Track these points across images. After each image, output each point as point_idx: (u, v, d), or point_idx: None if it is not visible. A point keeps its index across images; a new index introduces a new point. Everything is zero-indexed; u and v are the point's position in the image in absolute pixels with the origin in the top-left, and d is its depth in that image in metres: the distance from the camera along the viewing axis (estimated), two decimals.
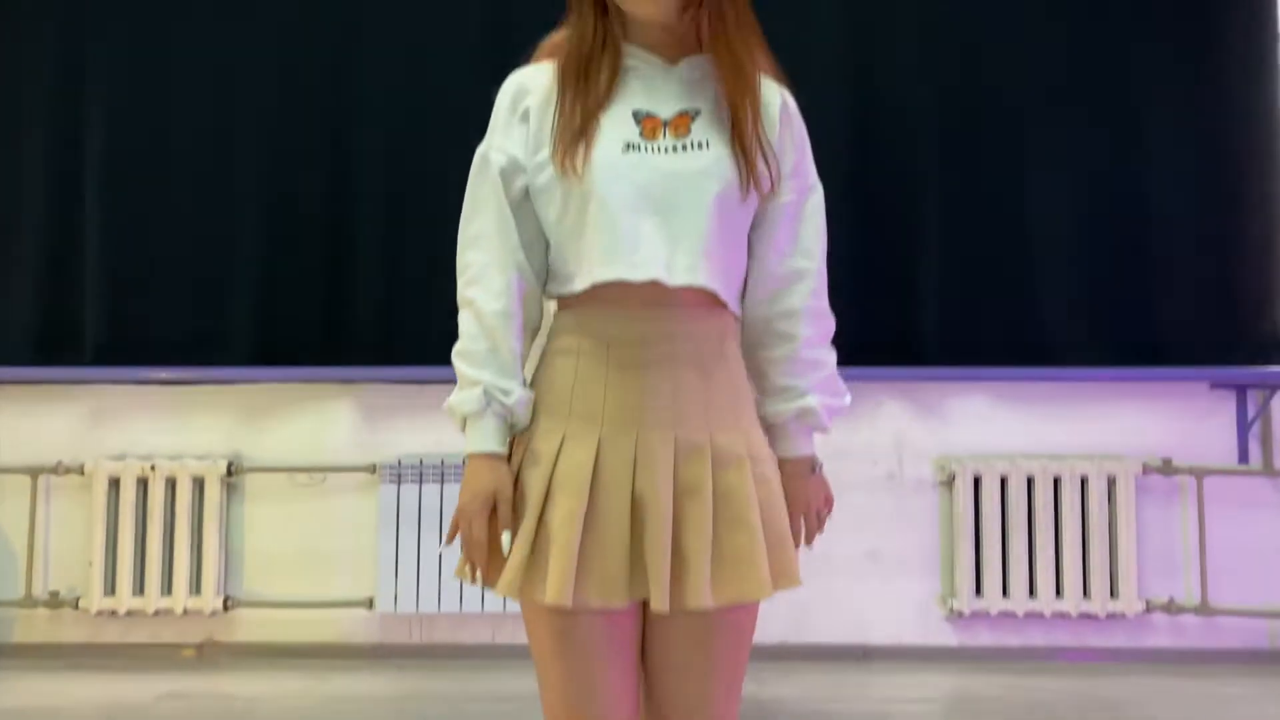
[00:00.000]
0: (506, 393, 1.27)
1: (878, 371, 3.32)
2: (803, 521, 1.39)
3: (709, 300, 1.30)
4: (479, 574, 1.28)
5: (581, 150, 1.26)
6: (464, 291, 1.31)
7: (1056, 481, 3.34)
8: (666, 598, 1.21)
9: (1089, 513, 3.32)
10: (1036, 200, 3.33)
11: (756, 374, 1.40)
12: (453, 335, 1.30)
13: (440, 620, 3.38)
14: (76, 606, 3.36)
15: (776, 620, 3.10)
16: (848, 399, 1.41)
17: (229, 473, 3.38)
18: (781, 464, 1.36)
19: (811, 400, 1.37)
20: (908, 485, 3.43)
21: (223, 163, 3.36)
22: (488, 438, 1.27)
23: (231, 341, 3.32)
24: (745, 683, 1.35)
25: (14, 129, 3.41)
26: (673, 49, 1.34)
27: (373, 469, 3.37)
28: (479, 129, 1.34)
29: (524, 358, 1.33)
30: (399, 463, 3.32)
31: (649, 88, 1.33)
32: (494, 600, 3.22)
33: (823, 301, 1.38)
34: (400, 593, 3.28)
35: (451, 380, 1.28)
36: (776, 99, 1.36)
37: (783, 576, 1.27)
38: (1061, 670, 3.29)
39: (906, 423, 3.44)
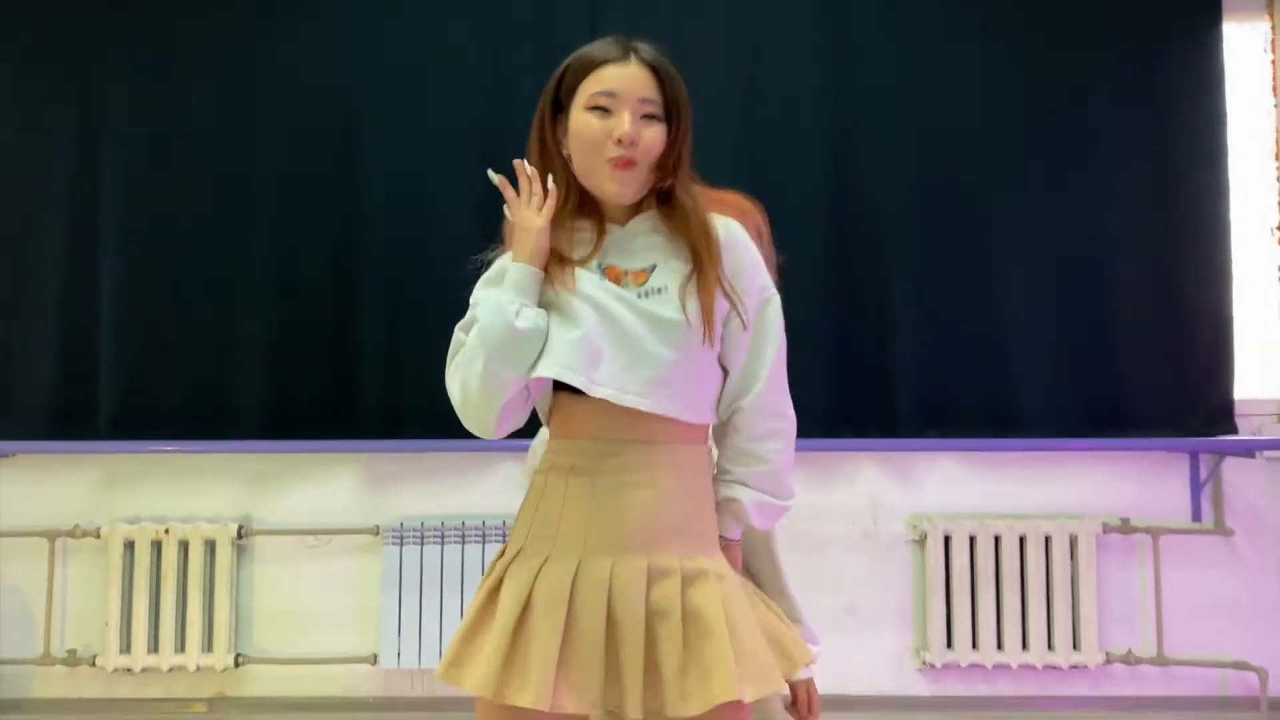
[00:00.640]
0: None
1: (857, 442, 3.49)
2: None
3: (673, 423, 1.38)
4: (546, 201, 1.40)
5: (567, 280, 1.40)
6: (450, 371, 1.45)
7: (1022, 540, 3.49)
8: (640, 705, 1.28)
9: (1053, 569, 3.46)
10: (1004, 282, 3.49)
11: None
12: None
13: None
14: (93, 664, 3.46)
15: None
16: (790, 502, 1.45)
17: (239, 535, 3.49)
18: None
19: (738, 491, 1.44)
20: (882, 544, 3.58)
21: (233, 247, 3.47)
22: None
23: (240, 415, 3.42)
24: None
25: (32, 210, 3.50)
26: (628, 213, 1.46)
27: (376, 531, 3.49)
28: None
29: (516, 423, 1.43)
30: (401, 525, 3.44)
31: (614, 246, 1.44)
32: None
33: (772, 400, 1.43)
34: (403, 648, 3.39)
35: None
36: (721, 234, 1.43)
37: (753, 681, 1.29)
38: (1028, 718, 3.45)
39: (881, 485, 3.59)
